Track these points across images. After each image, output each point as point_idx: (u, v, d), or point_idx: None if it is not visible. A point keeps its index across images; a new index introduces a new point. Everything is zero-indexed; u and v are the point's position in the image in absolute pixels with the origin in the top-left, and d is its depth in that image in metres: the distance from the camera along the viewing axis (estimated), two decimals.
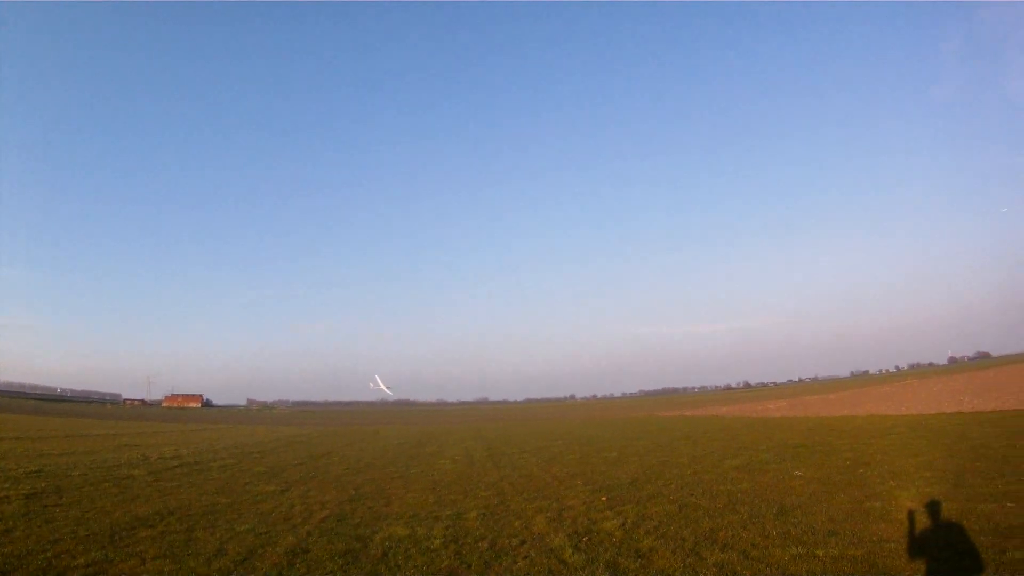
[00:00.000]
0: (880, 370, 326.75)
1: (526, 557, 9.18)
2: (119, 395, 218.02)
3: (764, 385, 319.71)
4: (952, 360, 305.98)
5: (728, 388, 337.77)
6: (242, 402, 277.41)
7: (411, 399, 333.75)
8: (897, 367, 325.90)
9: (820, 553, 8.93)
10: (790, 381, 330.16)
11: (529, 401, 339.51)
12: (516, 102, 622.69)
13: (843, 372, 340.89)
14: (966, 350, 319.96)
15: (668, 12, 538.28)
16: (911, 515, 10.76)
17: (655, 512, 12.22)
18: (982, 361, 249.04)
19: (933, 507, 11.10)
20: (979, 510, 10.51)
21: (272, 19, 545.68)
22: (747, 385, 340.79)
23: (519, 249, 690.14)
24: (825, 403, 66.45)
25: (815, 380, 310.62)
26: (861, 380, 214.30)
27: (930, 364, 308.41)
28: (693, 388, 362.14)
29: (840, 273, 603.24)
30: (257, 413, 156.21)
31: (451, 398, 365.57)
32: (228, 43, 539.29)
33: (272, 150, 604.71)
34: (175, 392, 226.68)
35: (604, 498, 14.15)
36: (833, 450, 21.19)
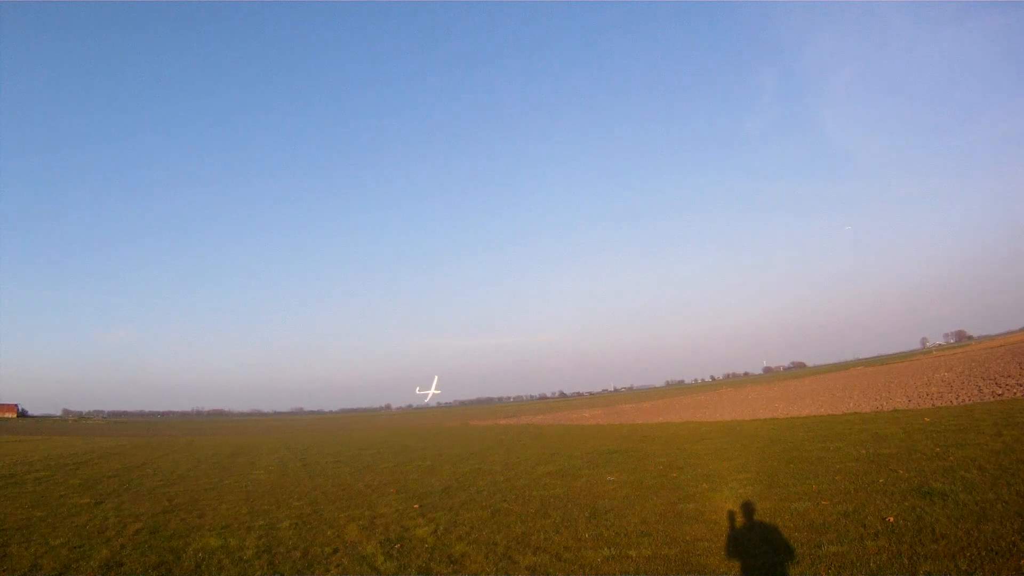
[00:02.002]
0: (695, 379, 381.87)
1: (338, 565, 10.74)
2: None
3: (579, 395, 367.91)
4: (767, 370, 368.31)
5: (543, 397, 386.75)
6: (57, 412, 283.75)
7: (225, 409, 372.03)
8: (713, 377, 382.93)
9: (633, 554, 10.39)
10: (605, 391, 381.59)
11: (344, 411, 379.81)
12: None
13: (658, 382, 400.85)
14: (781, 360, 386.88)
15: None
16: (726, 515, 12.62)
17: (467, 518, 14.16)
18: (797, 371, 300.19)
19: (748, 507, 13.04)
20: (793, 508, 12.44)
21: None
22: (562, 395, 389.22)
23: (331, 258, 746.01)
24: (640, 411, 76.48)
25: (630, 390, 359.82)
26: (676, 389, 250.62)
27: (745, 374, 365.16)
28: (508, 398, 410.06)
29: (654, 285, 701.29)
30: (73, 424, 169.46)
31: (266, 408, 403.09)
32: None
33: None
34: None
35: (417, 505, 16.32)
36: (647, 455, 24.37)
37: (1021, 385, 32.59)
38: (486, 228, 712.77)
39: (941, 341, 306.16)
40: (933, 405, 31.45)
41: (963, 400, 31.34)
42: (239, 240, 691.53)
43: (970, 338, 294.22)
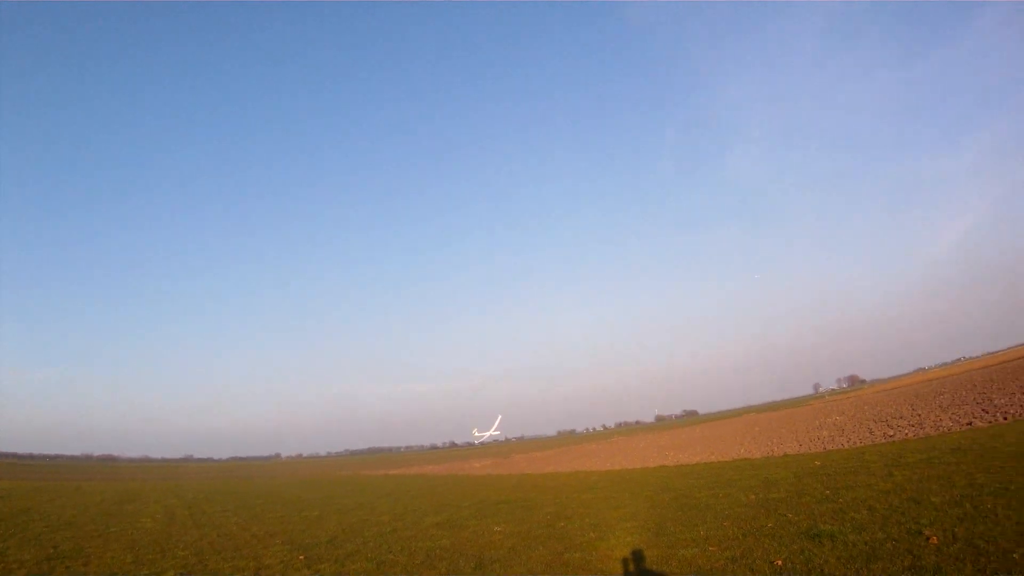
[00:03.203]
0: (587, 428, 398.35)
1: None
2: None
3: (470, 444, 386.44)
4: (659, 418, 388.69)
5: (434, 447, 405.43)
6: None
7: (115, 454, 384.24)
8: (604, 426, 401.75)
9: None
10: (496, 440, 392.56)
11: (234, 459, 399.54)
12: None
13: (550, 431, 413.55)
14: (673, 409, 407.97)
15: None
16: (613, 564, 13.26)
17: (353, 569, 15.18)
18: (689, 418, 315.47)
19: (636, 555, 13.68)
20: (681, 555, 13.13)
21: None
22: (453, 444, 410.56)
23: (223, 303, 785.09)
24: (530, 461, 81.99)
25: (521, 439, 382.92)
26: (568, 438, 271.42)
27: (637, 422, 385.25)
28: (399, 448, 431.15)
29: (547, 336, 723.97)
30: None
31: (156, 454, 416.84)
32: None
33: None
34: None
35: (302, 556, 17.37)
36: (535, 505, 25.83)
37: (912, 426, 35.21)
38: (382, 276, 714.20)
39: (834, 386, 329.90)
40: (824, 449, 33.56)
41: (854, 443, 33.48)
42: (126, 280, 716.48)
43: (863, 382, 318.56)
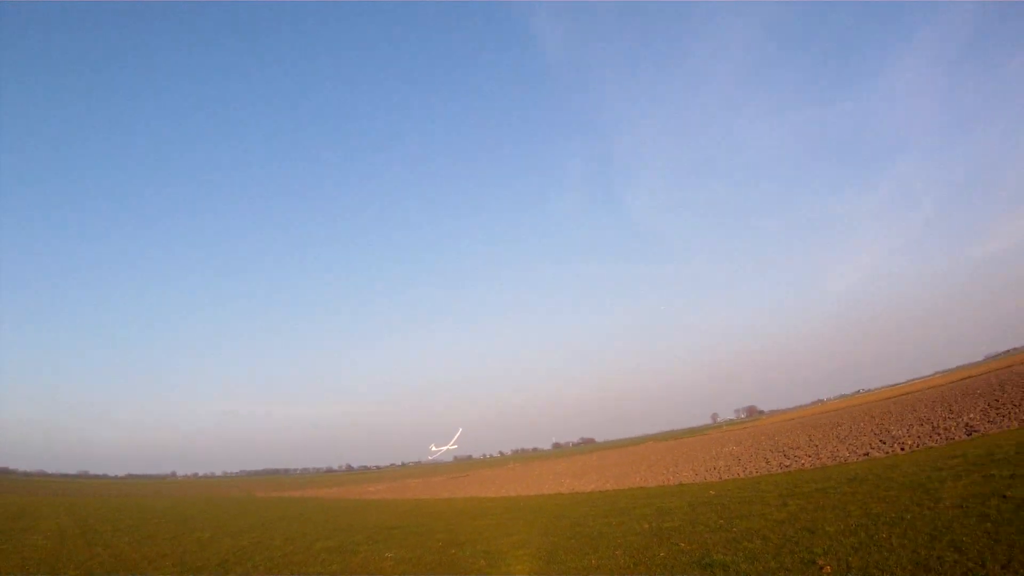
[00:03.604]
0: (484, 455, 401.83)
1: None
2: None
3: (366, 468, 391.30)
4: (557, 445, 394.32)
5: (330, 471, 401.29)
6: None
7: (10, 467, 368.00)
8: (502, 452, 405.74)
9: None
10: (393, 465, 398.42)
11: (130, 476, 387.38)
12: None
13: (447, 457, 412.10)
14: (571, 436, 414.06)
15: None
16: None
17: None
18: (586, 446, 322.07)
19: None
20: None
21: None
22: (349, 468, 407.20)
23: (119, 316, 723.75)
24: (426, 486, 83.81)
25: (418, 464, 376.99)
26: (465, 464, 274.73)
27: (535, 449, 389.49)
28: (296, 469, 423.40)
29: (446, 361, 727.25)
30: None
31: (52, 469, 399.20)
32: None
33: None
34: None
35: None
36: (429, 531, 26.06)
37: (809, 456, 36.18)
38: (281, 296, 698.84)
39: (732, 416, 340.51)
40: (720, 478, 34.24)
41: (750, 472, 34.28)
42: (17, 288, 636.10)
43: (761, 413, 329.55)
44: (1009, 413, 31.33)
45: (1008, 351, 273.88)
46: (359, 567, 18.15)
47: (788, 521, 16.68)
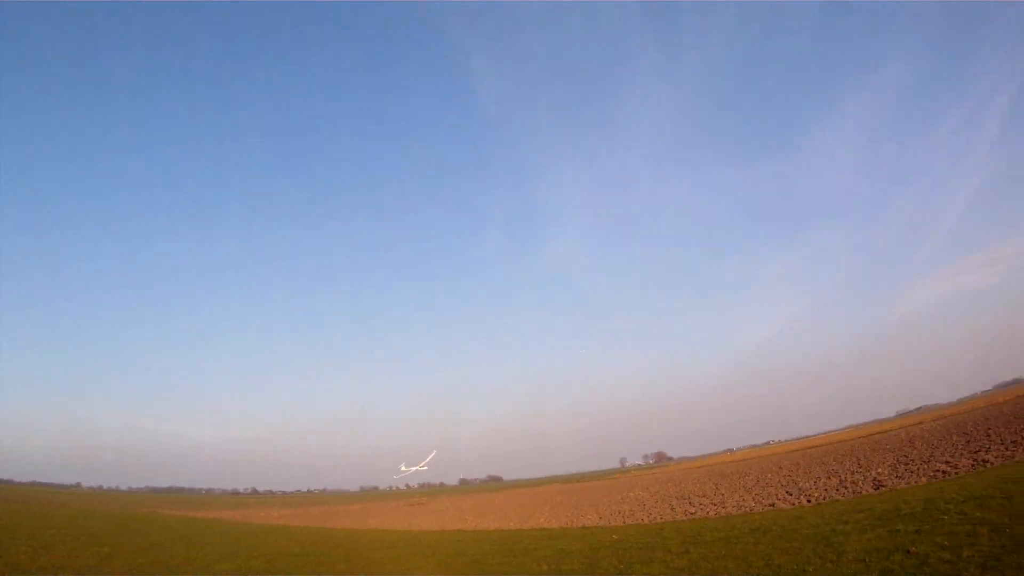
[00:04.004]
0: (391, 487, 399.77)
1: None
2: None
3: (272, 492, 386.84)
4: (463, 481, 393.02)
5: (236, 492, 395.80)
6: None
7: None
8: (408, 485, 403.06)
9: None
10: (298, 491, 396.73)
11: (35, 483, 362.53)
12: None
13: (353, 486, 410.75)
14: (478, 473, 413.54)
15: None
16: None
17: None
18: (493, 484, 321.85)
19: None
20: None
21: None
22: (255, 491, 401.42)
23: (23, 321, 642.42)
24: (330, 514, 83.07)
25: (323, 492, 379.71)
26: (370, 495, 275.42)
27: (441, 484, 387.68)
28: (201, 489, 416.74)
29: (358, 390, 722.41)
30: None
31: None
32: None
33: None
34: None
35: None
36: (328, 561, 25.92)
37: (714, 504, 36.23)
38: (190, 316, 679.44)
39: (640, 461, 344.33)
40: (624, 523, 34.13)
41: (654, 518, 34.13)
42: None
43: (669, 459, 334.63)
44: (917, 469, 31.74)
45: (919, 408, 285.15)
46: None
47: (688, 569, 16.41)
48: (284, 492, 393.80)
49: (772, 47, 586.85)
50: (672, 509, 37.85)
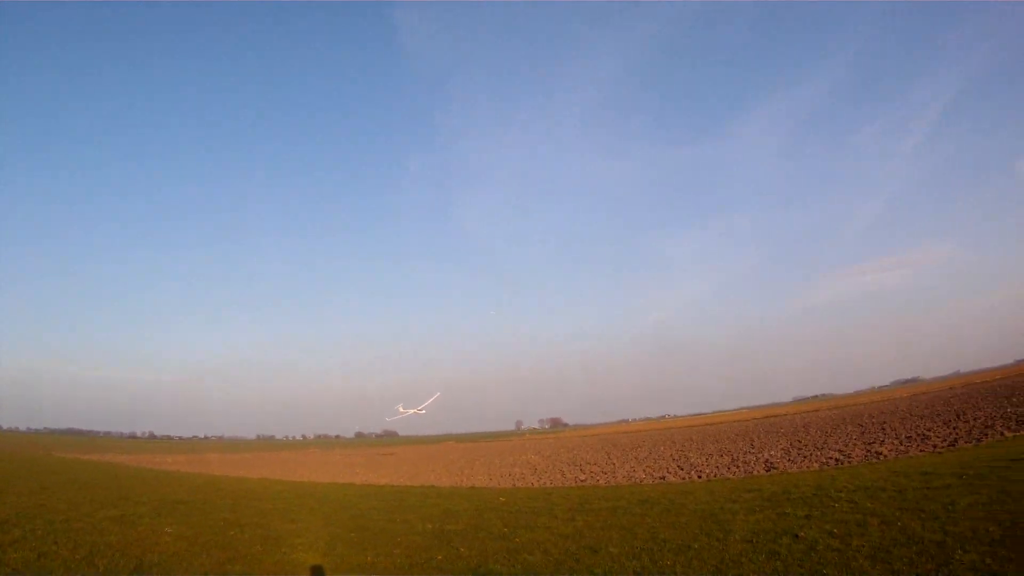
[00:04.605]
0: (287, 436, 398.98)
1: None
2: None
3: (169, 437, 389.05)
4: (359, 435, 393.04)
5: (133, 436, 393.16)
6: None
7: None
8: (304, 436, 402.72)
9: None
10: (195, 437, 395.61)
11: None
12: None
13: (250, 435, 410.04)
14: (374, 428, 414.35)
15: None
16: None
17: (12, 558, 14.75)
18: (387, 438, 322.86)
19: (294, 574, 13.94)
20: None
21: None
22: (152, 435, 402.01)
23: None
24: (224, 462, 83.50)
25: (220, 439, 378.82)
26: (266, 444, 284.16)
27: (337, 436, 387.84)
28: (99, 432, 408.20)
29: (260, 338, 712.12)
30: None
31: None
32: None
33: None
34: None
35: None
36: (215, 509, 25.81)
37: (605, 473, 36.42)
38: (96, 255, 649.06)
39: (536, 426, 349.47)
40: (513, 485, 34.12)
41: (544, 483, 34.06)
42: None
43: (565, 426, 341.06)
44: (810, 455, 32.28)
45: (816, 396, 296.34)
46: (136, 540, 17.57)
47: (573, 536, 16.13)
48: (181, 437, 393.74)
49: (709, 35, 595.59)
50: (563, 475, 37.96)
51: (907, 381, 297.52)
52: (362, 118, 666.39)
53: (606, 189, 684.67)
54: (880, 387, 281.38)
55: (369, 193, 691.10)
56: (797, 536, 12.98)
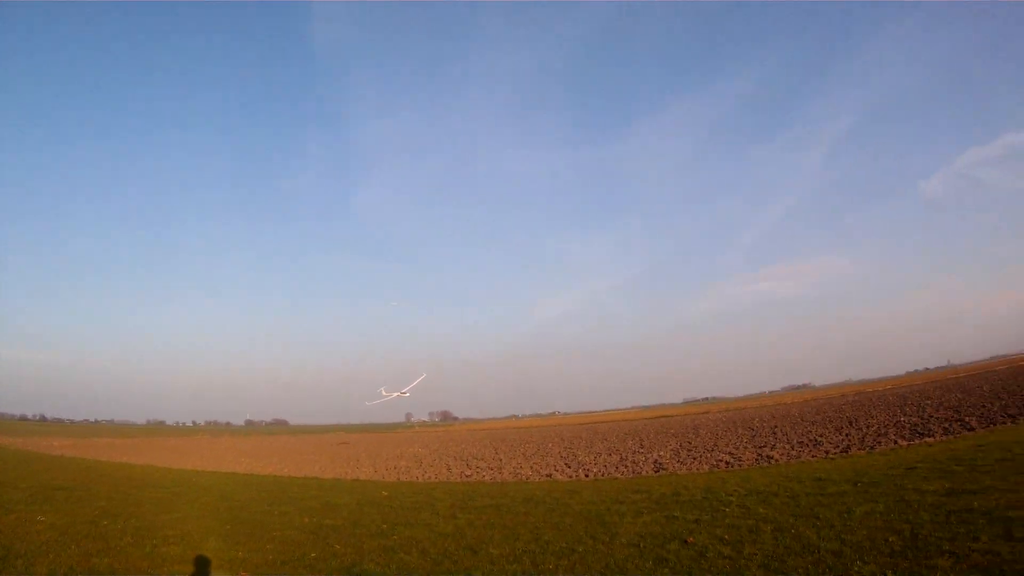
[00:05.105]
0: (177, 422, 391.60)
1: None
2: None
3: (60, 420, 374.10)
4: (249, 423, 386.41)
5: (24, 418, 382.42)
6: None
7: None
8: (195, 422, 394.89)
9: None
10: (85, 420, 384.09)
11: None
12: None
13: (140, 419, 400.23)
14: (264, 416, 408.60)
15: None
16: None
17: None
18: (277, 427, 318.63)
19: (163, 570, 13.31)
20: None
21: None
22: (43, 418, 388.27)
23: None
24: (111, 447, 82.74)
25: (111, 422, 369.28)
26: (155, 429, 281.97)
27: (228, 423, 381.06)
28: None
29: (146, 322, 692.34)
30: None
31: None
32: None
33: None
34: None
35: None
36: (90, 497, 25.13)
37: (491, 469, 35.99)
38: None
39: (425, 418, 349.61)
40: (397, 479, 33.56)
41: (429, 477, 33.58)
42: None
43: (455, 419, 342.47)
44: (700, 456, 32.36)
45: (707, 399, 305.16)
46: (7, 529, 17.08)
47: (453, 536, 15.56)
48: (72, 420, 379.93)
49: (625, 35, 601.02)
50: (448, 470, 37.50)
51: (798, 387, 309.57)
52: (259, 96, 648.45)
53: (514, 184, 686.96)
54: (771, 392, 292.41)
55: (265, 177, 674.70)
56: (686, 542, 12.51)
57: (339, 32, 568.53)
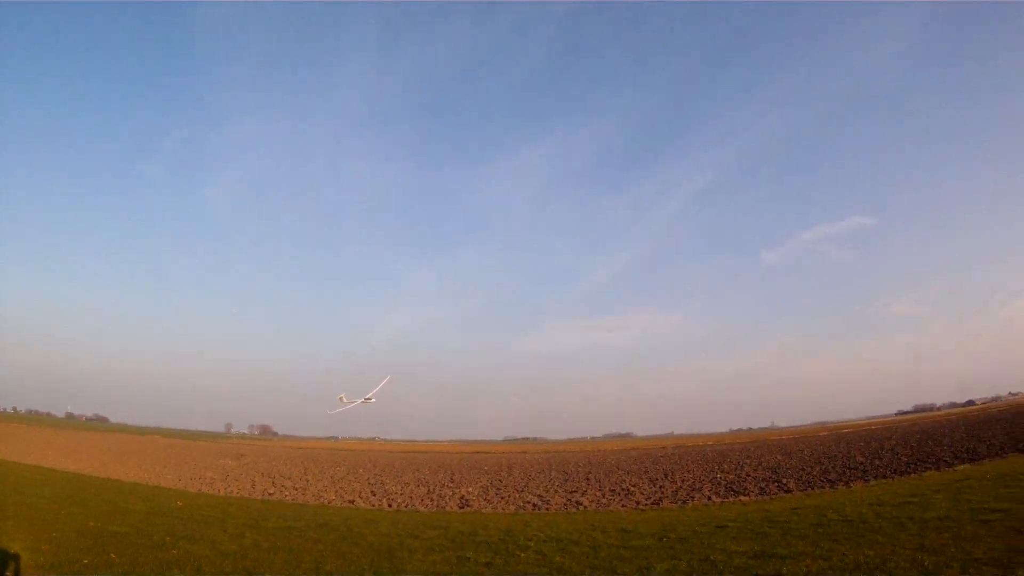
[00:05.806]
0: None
1: None
2: None
3: None
4: (69, 415, 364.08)
5: None
6: None
7: None
8: (15, 408, 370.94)
9: None
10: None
11: None
12: None
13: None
14: (85, 410, 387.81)
15: None
16: None
17: None
18: (97, 423, 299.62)
19: None
20: None
21: None
22: None
23: None
24: None
25: None
26: None
27: (48, 413, 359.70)
28: None
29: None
30: None
31: None
32: None
33: None
34: None
35: None
36: None
37: (296, 489, 35.53)
38: None
39: (245, 431, 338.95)
40: (199, 490, 32.80)
41: (231, 492, 32.71)
42: None
43: (274, 434, 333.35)
44: (508, 496, 32.68)
45: (527, 438, 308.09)
46: None
47: (235, 556, 15.09)
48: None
49: (492, 68, 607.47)
50: (253, 486, 36.73)
51: (621, 435, 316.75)
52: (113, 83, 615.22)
53: (362, 200, 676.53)
54: (594, 438, 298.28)
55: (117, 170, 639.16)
56: None
57: (222, 21, 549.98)
